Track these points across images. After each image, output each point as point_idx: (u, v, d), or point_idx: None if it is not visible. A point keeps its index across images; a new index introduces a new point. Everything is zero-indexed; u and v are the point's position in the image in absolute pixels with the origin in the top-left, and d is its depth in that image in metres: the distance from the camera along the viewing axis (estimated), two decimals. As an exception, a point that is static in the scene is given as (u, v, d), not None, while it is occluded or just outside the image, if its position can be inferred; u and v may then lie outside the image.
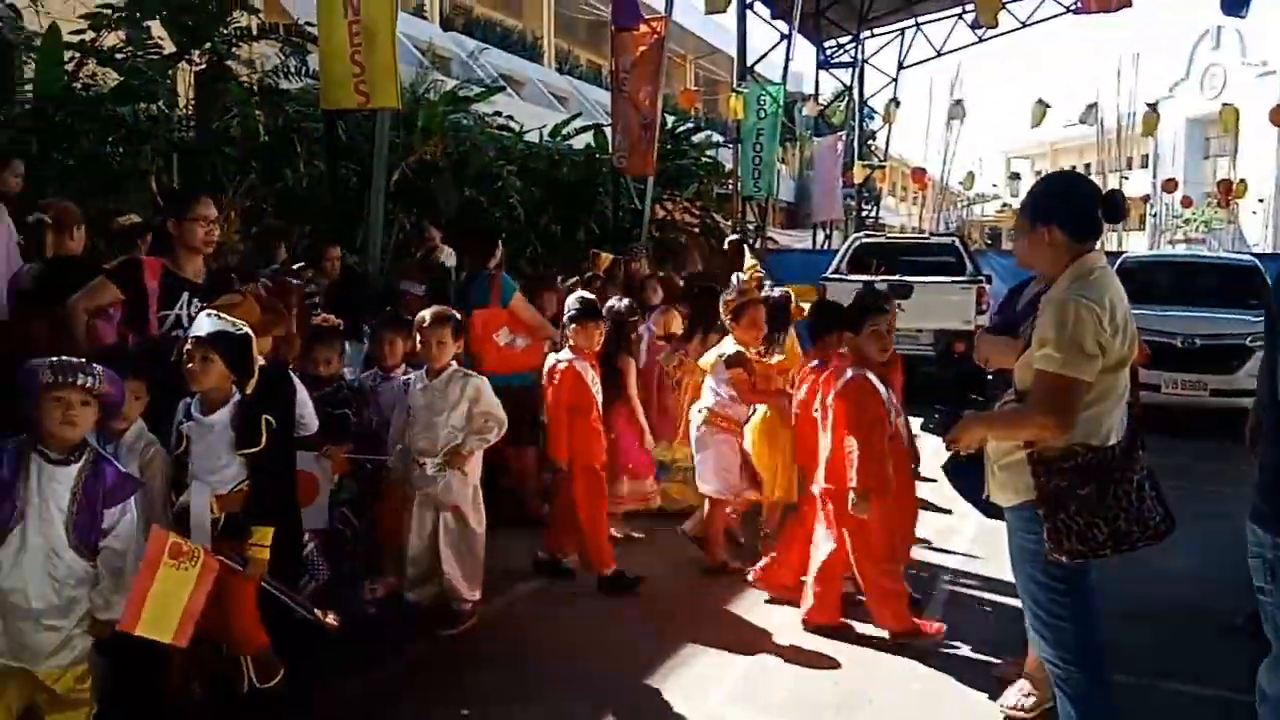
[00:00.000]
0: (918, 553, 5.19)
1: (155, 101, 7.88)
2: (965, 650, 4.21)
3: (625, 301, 5.67)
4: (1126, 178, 35.24)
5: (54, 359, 2.90)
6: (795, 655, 4.22)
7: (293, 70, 8.93)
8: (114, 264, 4.24)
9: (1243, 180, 31.30)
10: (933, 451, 5.61)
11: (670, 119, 16.02)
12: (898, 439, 4.39)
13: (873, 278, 9.79)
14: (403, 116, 9.20)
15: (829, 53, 24.67)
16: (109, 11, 6.97)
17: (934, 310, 10.16)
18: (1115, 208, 2.94)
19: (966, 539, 5.70)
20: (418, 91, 11.14)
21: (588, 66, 28.98)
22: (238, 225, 7.37)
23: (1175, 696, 3.85)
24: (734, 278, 5.63)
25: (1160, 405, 8.57)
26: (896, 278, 9.88)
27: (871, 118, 28.72)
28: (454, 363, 4.37)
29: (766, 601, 4.77)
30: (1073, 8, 19.99)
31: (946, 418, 3.13)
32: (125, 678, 3.17)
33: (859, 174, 24.68)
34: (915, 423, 5.40)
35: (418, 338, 4.38)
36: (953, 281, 10.60)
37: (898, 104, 25.05)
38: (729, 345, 5.22)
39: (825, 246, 21.52)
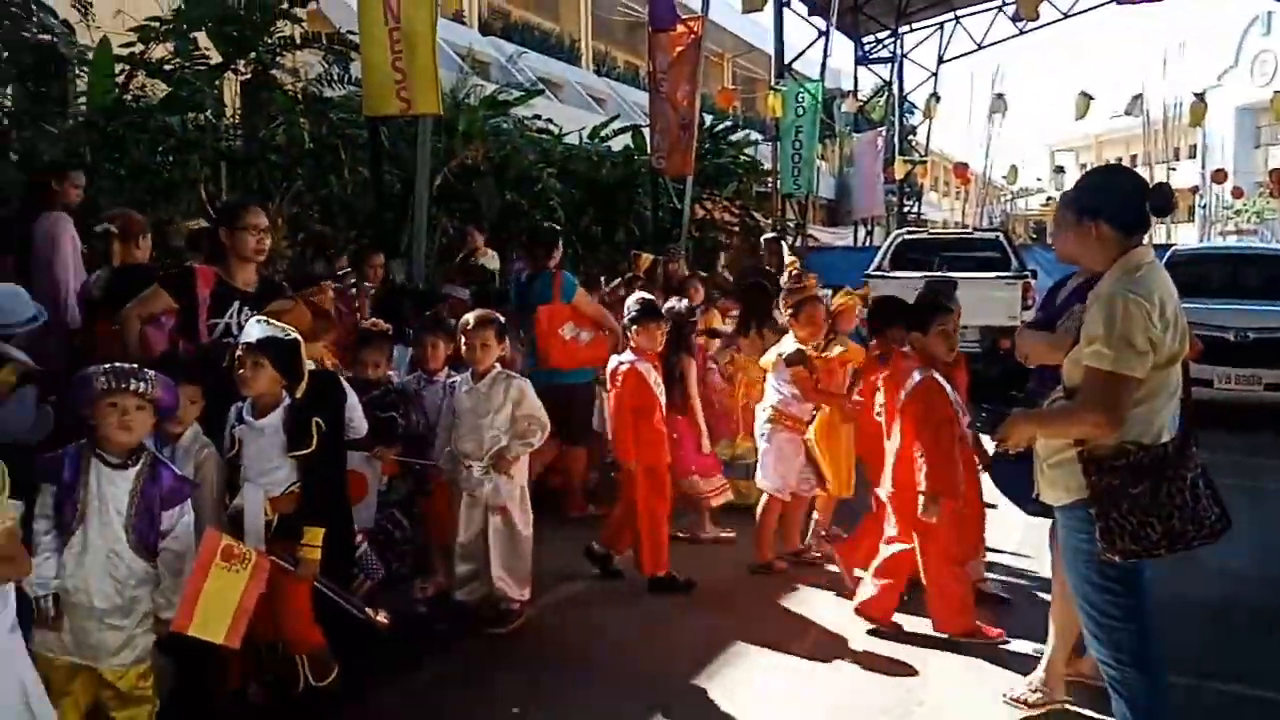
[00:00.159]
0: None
1: (203, 111, 8.02)
2: (1020, 650, 4.16)
3: (684, 302, 5.70)
4: (1174, 169, 34.58)
5: (108, 365, 2.99)
6: (847, 655, 4.21)
7: (336, 78, 9.03)
8: (168, 272, 4.33)
9: (1295, 169, 30.53)
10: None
11: (708, 118, 16.01)
12: (965, 440, 4.34)
13: (915, 274, 9.70)
14: (444, 122, 9.30)
15: (867, 48, 24.51)
16: (157, 24, 7.11)
17: (979, 307, 10.01)
18: (1163, 200, 2.90)
19: (1014, 538, 5.63)
20: (458, 96, 11.24)
21: (625, 68, 29.02)
22: (285, 232, 7.49)
23: (1230, 697, 3.79)
24: (785, 275, 5.64)
25: (1213, 401, 8.41)
26: (940, 274, 9.78)
27: (911, 113, 28.50)
28: (497, 365, 4.42)
29: (819, 601, 4.77)
30: (1116, -3, 19.66)
31: (994, 416, 3.10)
32: (186, 676, 3.25)
33: (900, 170, 24.50)
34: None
35: (461, 340, 4.43)
36: (997, 277, 10.47)
37: (938, 98, 24.81)
38: (788, 343, 5.21)
39: (867, 243, 21.36)
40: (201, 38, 7.65)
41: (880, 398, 4.66)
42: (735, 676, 4.01)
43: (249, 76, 8.31)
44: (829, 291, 5.85)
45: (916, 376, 4.24)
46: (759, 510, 5.27)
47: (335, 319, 4.25)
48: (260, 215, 4.08)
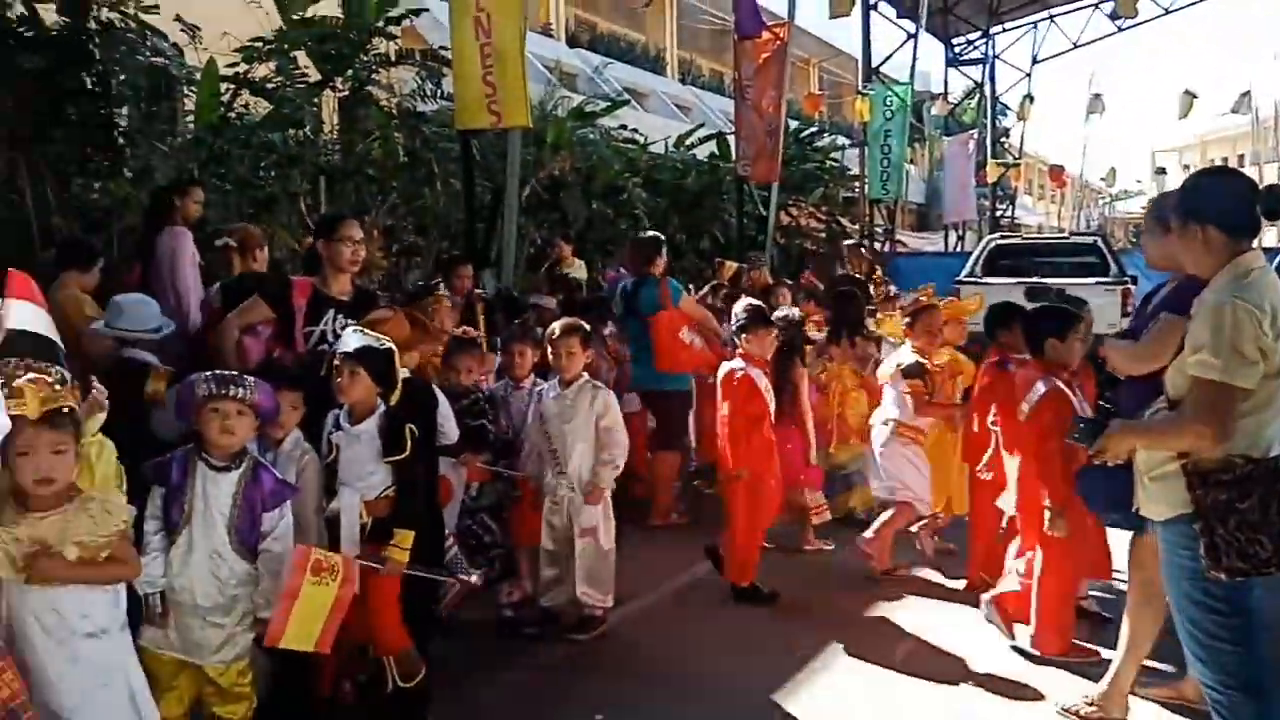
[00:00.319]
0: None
1: (302, 127, 8.31)
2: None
3: (796, 310, 5.67)
4: (1287, 169, 32.95)
5: (211, 373, 3.13)
6: (927, 670, 4.12)
7: (429, 93, 9.25)
8: (266, 284, 4.50)
9: None
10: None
11: (794, 123, 15.91)
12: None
13: (1009, 280, 9.48)
14: (532, 133, 9.44)
15: (958, 50, 24.06)
16: (260, 45, 7.40)
17: (1076, 314, 9.72)
18: (1274, 202, 2.79)
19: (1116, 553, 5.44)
20: (546, 108, 11.41)
21: (710, 76, 29.02)
22: (380, 243, 7.70)
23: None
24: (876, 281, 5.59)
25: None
26: (1035, 280, 9.51)
27: (1004, 114, 27.81)
28: (585, 374, 4.47)
29: (906, 613, 4.71)
30: (1223, -10, 18.89)
31: (1092, 426, 2.99)
32: (282, 675, 3.35)
33: (992, 173, 23.96)
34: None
35: (548, 349, 4.49)
36: (1096, 283, 10.14)
37: (1031, 99, 24.23)
38: (905, 354, 5.13)
39: (958, 248, 20.93)
40: (301, 56, 7.93)
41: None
42: (817, 689, 3.97)
43: (346, 93, 8.58)
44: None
45: (1042, 387, 4.08)
46: (884, 518, 5.17)
47: (437, 330, 4.34)
48: (355, 228, 4.20)
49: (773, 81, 11.59)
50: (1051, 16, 23.32)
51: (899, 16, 19.92)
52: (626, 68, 23.12)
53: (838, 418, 5.91)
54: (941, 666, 4.15)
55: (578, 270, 8.88)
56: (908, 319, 5.20)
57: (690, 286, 8.16)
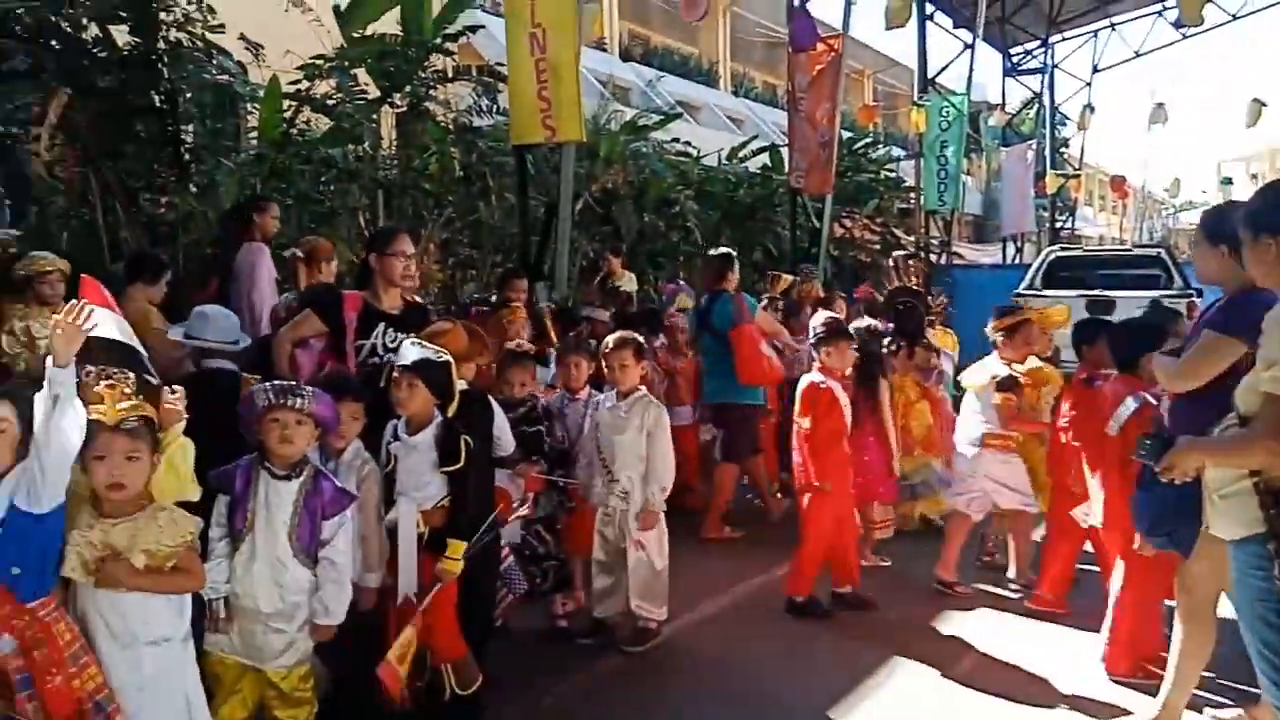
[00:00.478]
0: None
1: (361, 143, 8.45)
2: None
3: (874, 321, 5.64)
4: (1362, 178, 31.87)
5: (271, 383, 3.20)
6: (991, 687, 4.05)
7: (485, 108, 9.36)
8: (317, 298, 4.58)
9: None
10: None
11: (848, 135, 15.80)
12: None
13: (1069, 293, 9.30)
14: (586, 147, 9.50)
15: (1016, 59, 23.68)
16: (321, 62, 7.54)
17: (1139, 327, 9.50)
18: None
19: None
20: (599, 122, 11.47)
21: (763, 88, 28.99)
22: (436, 257, 7.79)
23: None
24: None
25: None
26: (1097, 292, 9.32)
27: (1064, 124, 27.34)
28: (642, 389, 4.48)
29: (967, 626, 4.66)
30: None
31: (1159, 443, 2.90)
32: (343, 681, 3.40)
33: (1052, 184, 23.54)
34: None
35: (603, 362, 4.51)
36: (1160, 296, 9.90)
37: (1092, 109, 23.77)
38: (995, 365, 5.06)
39: (1016, 260, 20.58)
40: (361, 74, 8.06)
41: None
42: (874, 705, 3.93)
43: (404, 109, 8.70)
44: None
45: (1132, 404, 3.97)
46: (1019, 530, 5.14)
47: (491, 343, 4.39)
48: (408, 243, 4.26)
49: (827, 93, 11.53)
50: (1113, 25, 22.87)
51: (955, 27, 19.67)
52: (679, 81, 23.19)
53: (901, 429, 5.85)
54: (1006, 682, 4.09)
55: (627, 283, 8.93)
56: (1003, 332, 5.11)
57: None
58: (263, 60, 7.51)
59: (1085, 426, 4.36)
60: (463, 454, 3.47)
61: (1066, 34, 23.61)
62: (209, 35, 6.95)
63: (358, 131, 8.15)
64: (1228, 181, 44.13)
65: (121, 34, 6.78)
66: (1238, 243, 2.84)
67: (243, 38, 7.34)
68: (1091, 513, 4.29)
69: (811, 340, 4.98)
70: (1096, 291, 9.42)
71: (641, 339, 4.72)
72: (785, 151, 12.56)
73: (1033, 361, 5.12)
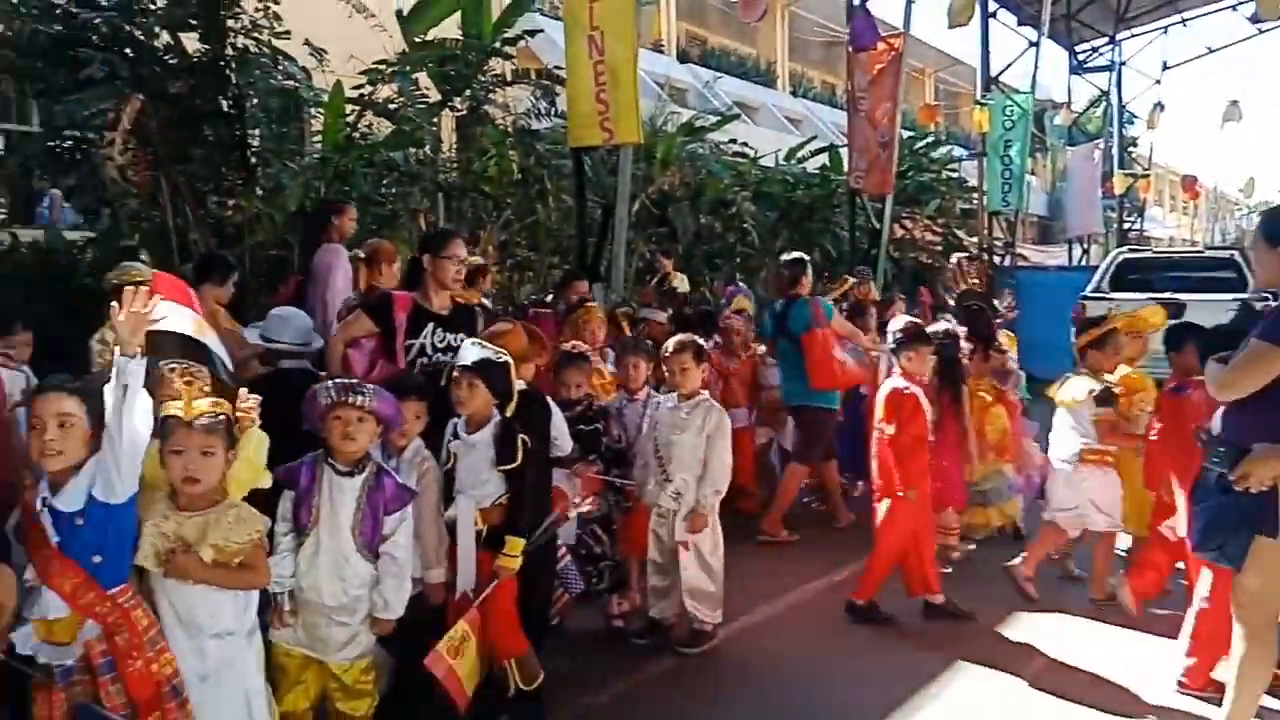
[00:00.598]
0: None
1: (422, 146, 8.58)
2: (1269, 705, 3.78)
3: (953, 324, 5.57)
4: None
5: (333, 381, 3.26)
6: (1054, 692, 3.98)
7: (543, 111, 9.43)
8: (369, 299, 4.65)
9: None
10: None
11: (908, 134, 15.62)
12: None
13: (1138, 295, 9.07)
14: (643, 149, 9.52)
15: (1082, 57, 23.22)
16: (384, 67, 7.67)
17: (1211, 331, 9.21)
18: None
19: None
20: (656, 124, 11.49)
21: (822, 88, 28.79)
22: (495, 258, 7.86)
23: None
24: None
25: None
26: (1167, 295, 9.07)
27: (1132, 123, 26.70)
28: (704, 392, 4.47)
29: (1033, 634, 4.57)
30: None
31: (1234, 451, 2.81)
32: (405, 674, 3.45)
33: (1120, 184, 23.02)
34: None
35: (664, 365, 4.52)
36: (1233, 299, 9.60)
37: (1162, 107, 23.21)
38: (1088, 380, 4.88)
39: (1083, 262, 20.15)
40: (422, 78, 8.17)
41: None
42: (934, 712, 3.87)
43: (464, 112, 8.81)
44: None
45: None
46: (1101, 549, 5.00)
47: (549, 343, 4.43)
48: (461, 246, 4.31)
49: (887, 92, 11.43)
50: (1184, 20, 22.27)
51: (1019, 24, 19.35)
52: (737, 81, 23.15)
53: (976, 434, 5.75)
54: (1072, 689, 3.99)
55: (682, 284, 8.94)
56: (1094, 343, 4.96)
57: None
58: (326, 65, 7.65)
59: (1173, 437, 4.23)
60: (520, 453, 3.50)
61: (1135, 30, 23.07)
62: (275, 42, 7.10)
63: (419, 135, 8.27)
64: (1306, 180, 42.65)
65: (191, 41, 6.96)
66: None
67: (307, 43, 7.49)
68: (1177, 525, 4.16)
69: (890, 345, 4.92)
70: (1166, 295, 9.16)
71: (701, 341, 4.70)
72: (844, 152, 12.48)
73: (1123, 369, 4.99)
